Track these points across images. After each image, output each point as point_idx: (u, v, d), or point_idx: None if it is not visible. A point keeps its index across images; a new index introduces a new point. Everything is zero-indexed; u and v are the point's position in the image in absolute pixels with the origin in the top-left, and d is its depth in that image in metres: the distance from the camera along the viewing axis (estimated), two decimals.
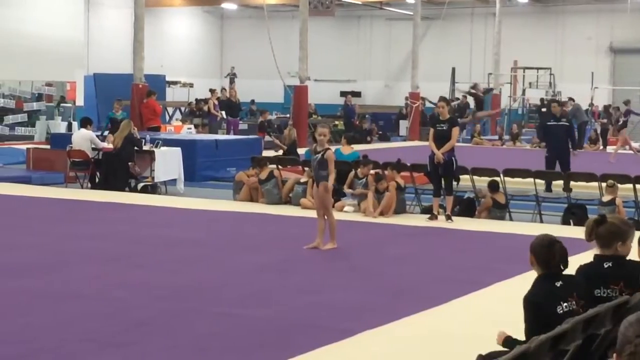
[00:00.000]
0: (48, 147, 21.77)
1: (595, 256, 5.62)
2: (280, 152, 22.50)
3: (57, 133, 24.45)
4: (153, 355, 6.61)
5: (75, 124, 26.51)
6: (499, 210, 14.36)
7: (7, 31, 25.92)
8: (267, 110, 31.33)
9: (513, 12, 39.83)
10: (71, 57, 28.15)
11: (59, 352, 6.62)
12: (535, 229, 12.98)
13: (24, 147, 22.11)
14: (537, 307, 5.08)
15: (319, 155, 11.16)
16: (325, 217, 11.18)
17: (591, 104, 34.88)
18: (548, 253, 5.24)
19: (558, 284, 5.19)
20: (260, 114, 30.61)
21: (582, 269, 5.56)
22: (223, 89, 33.06)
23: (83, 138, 17.73)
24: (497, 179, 14.74)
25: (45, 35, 26.87)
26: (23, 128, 27.34)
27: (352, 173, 15.04)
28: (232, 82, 38.71)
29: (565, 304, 5.10)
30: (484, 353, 5.13)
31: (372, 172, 15.23)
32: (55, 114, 28.68)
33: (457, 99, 36.16)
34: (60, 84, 29.42)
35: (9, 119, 27.18)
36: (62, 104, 29.23)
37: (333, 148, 17.84)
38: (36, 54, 26.30)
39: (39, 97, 28.19)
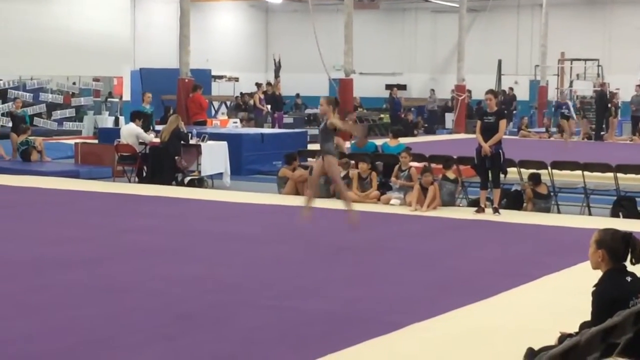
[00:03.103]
0: (96, 141, 21.95)
1: None
2: None
3: (105, 128, 24.64)
4: (202, 347, 6.64)
5: (122, 119, 26.71)
6: (542, 201, 14.25)
7: (54, 27, 26.16)
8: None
9: (560, 3, 39.45)
10: (118, 52, 28.33)
11: (109, 344, 6.68)
12: (583, 222, 12.91)
13: (72, 141, 22.33)
14: (612, 301, 4.98)
15: (322, 124, 11.20)
16: (336, 190, 11.25)
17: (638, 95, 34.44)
18: (626, 248, 5.16)
19: (628, 279, 5.13)
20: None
21: None
22: (269, 83, 33.13)
23: (130, 133, 17.86)
24: (537, 171, 14.64)
25: (92, 31, 27.08)
26: (71, 123, 27.61)
27: (397, 166, 15.02)
28: (277, 75, 38.71)
29: (637, 300, 5.03)
30: (534, 346, 5.09)
31: (417, 165, 15.20)
32: (103, 108, 28.93)
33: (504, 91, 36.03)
34: (108, 79, 29.66)
35: (57, 114, 27.45)
36: (109, 99, 29.48)
37: (380, 141, 17.93)
38: (83, 49, 26.51)
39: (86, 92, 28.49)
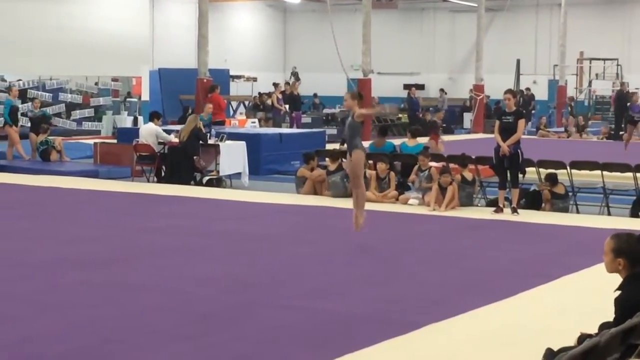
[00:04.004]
0: (115, 141, 22.03)
1: None
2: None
3: (124, 127, 24.74)
4: (219, 347, 6.65)
5: (140, 119, 26.81)
6: (560, 201, 14.19)
7: (74, 28, 26.29)
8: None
9: (579, 2, 39.30)
10: (137, 52, 28.47)
11: (127, 343, 6.70)
12: (603, 222, 12.86)
13: (91, 141, 22.41)
14: (636, 306, 4.94)
15: (349, 119, 11.10)
16: (356, 188, 11.14)
17: None
18: None
19: None
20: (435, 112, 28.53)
21: None
22: (287, 82, 33.12)
23: (150, 132, 17.89)
24: (555, 171, 14.58)
25: (111, 32, 27.21)
26: (90, 123, 27.74)
27: (417, 166, 15.01)
28: (297, 78, 38.69)
29: None
30: (553, 346, 5.08)
31: (436, 165, 15.17)
32: (122, 108, 29.04)
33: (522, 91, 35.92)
34: (126, 79, 29.78)
35: (77, 114, 27.58)
36: (128, 99, 29.60)
37: (398, 141, 17.91)
38: (102, 50, 26.64)
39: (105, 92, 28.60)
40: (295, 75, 39.34)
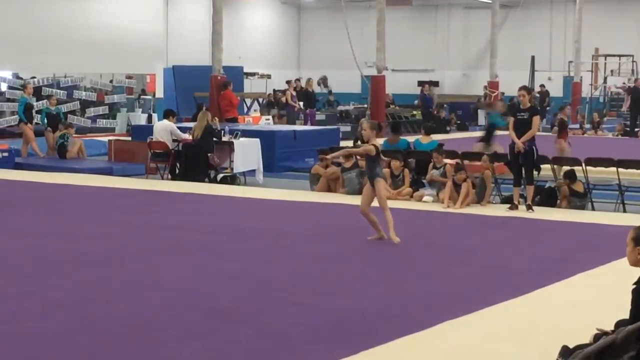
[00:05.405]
0: (129, 138, 22.06)
1: None
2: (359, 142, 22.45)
3: (138, 125, 24.78)
4: (236, 344, 6.65)
5: (155, 116, 26.84)
6: (578, 199, 14.14)
7: (88, 25, 26.32)
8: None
9: None
10: (151, 49, 28.47)
11: (142, 340, 6.70)
12: (618, 219, 12.81)
13: (106, 139, 22.46)
14: None
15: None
16: (383, 211, 10.98)
17: None
18: None
19: None
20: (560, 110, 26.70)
21: None
22: (297, 79, 33.07)
23: (164, 129, 17.91)
24: (574, 168, 14.52)
25: (125, 29, 27.23)
26: (104, 120, 27.79)
27: (431, 164, 14.98)
28: (325, 84, 38.19)
29: None
30: (568, 344, 5.06)
31: (451, 162, 15.14)
32: (136, 106, 29.08)
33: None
34: (141, 77, 29.81)
35: (91, 111, 27.64)
36: (142, 96, 29.63)
37: (412, 138, 17.88)
38: (116, 47, 26.67)
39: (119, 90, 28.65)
40: (323, 80, 38.80)
